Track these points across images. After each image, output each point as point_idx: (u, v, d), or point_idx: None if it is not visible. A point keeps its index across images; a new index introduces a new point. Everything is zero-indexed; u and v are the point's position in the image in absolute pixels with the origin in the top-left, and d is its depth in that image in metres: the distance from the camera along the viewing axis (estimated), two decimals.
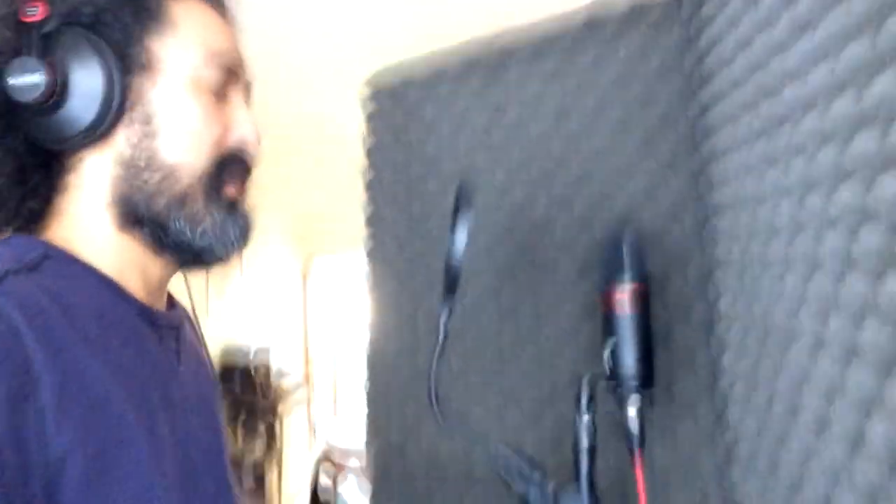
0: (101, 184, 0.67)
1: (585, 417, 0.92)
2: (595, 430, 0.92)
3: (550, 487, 0.88)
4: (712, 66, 0.96)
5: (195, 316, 0.89)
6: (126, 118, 0.65)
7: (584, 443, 0.91)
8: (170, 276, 0.76)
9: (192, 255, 0.71)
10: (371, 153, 1.43)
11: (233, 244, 0.72)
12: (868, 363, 0.65)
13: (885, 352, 0.62)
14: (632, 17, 1.11)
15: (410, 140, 1.36)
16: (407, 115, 1.36)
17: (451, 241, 0.89)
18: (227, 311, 5.37)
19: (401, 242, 1.36)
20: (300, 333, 7.55)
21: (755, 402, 0.90)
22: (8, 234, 0.67)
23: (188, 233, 0.68)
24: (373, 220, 1.42)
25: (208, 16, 0.72)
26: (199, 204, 0.68)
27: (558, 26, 1.17)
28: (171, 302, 0.82)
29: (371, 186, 1.43)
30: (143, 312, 0.69)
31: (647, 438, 0.95)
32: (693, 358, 1.05)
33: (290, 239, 7.33)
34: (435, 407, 0.93)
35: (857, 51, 0.64)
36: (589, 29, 1.15)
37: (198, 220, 0.68)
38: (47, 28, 0.63)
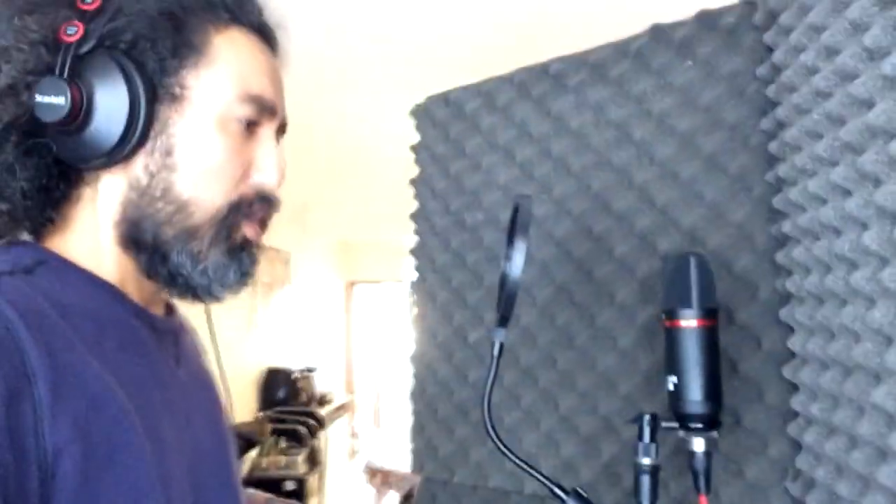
0: (113, 202, 0.67)
1: (647, 459, 0.86)
2: (657, 476, 0.86)
3: None
4: (791, 78, 0.88)
5: (212, 333, 0.89)
6: (148, 146, 0.65)
7: (646, 487, 0.85)
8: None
9: (186, 288, 0.69)
10: (417, 183, 1.40)
11: (230, 287, 0.70)
12: None
13: None
14: (701, 25, 1.04)
15: (457, 170, 1.32)
16: (453, 144, 1.32)
17: (508, 262, 0.84)
18: (271, 331, 5.49)
19: (445, 274, 1.32)
20: (343, 356, 7.71)
21: (832, 447, 0.82)
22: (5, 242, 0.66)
23: (188, 267, 0.67)
24: (418, 251, 1.39)
25: (251, 50, 0.70)
26: (205, 242, 0.67)
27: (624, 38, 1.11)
28: (170, 308, 0.81)
29: (416, 217, 1.39)
30: (141, 315, 0.69)
31: (713, 472, 0.89)
32: (762, 393, 0.97)
33: (335, 265, 7.49)
34: (490, 429, 0.88)
35: None
36: (656, 37, 1.08)
37: (200, 258, 0.67)
38: (83, 49, 0.62)
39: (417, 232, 1.38)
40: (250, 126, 0.69)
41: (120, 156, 0.64)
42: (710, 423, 0.89)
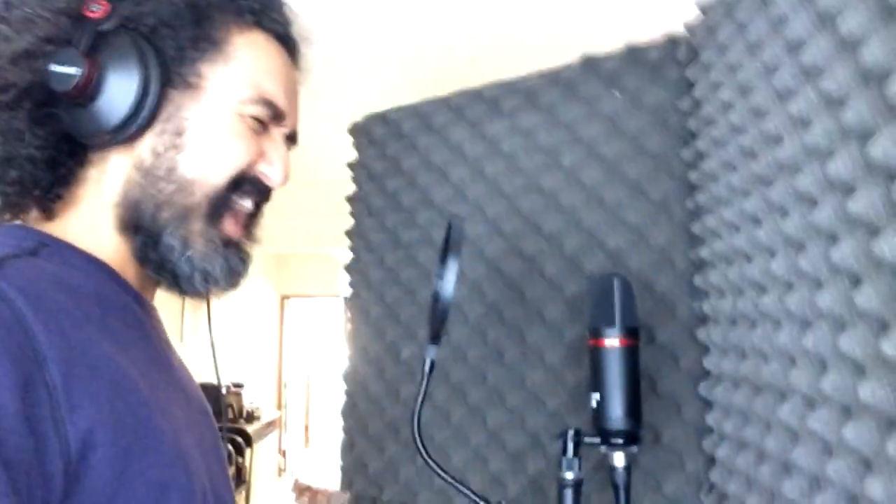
0: (114, 184, 0.67)
1: (570, 473, 0.89)
2: (580, 490, 0.89)
3: None
4: (710, 112, 0.94)
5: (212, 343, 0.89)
6: (157, 127, 0.66)
7: (569, 501, 0.88)
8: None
9: (171, 277, 0.69)
10: (353, 200, 1.41)
11: (214, 281, 0.69)
12: (867, 420, 0.62)
13: (884, 409, 0.59)
14: (629, 58, 1.10)
15: (393, 188, 1.34)
16: (390, 162, 1.34)
17: (440, 281, 0.86)
18: (200, 345, 5.36)
19: (379, 290, 1.34)
20: (274, 371, 7.59)
21: (742, 462, 0.87)
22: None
23: (175, 252, 0.67)
24: (353, 267, 1.40)
25: (270, 55, 0.72)
26: (199, 225, 0.68)
27: (555, 67, 1.16)
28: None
29: (352, 234, 1.41)
30: (140, 300, 0.69)
31: (633, 486, 0.92)
32: (680, 410, 1.02)
33: (268, 278, 7.39)
34: (420, 446, 0.89)
35: (863, 104, 0.62)
36: (586, 67, 1.13)
37: (190, 241, 0.67)
38: (105, 27, 0.64)
39: (353, 248, 1.39)
40: (262, 124, 0.70)
41: (126, 133, 0.64)
42: (631, 438, 0.92)
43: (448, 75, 1.43)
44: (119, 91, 0.64)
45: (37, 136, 0.63)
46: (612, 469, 0.92)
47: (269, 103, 0.70)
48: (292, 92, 0.74)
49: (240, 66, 0.69)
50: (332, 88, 2.69)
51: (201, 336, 5.39)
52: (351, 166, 1.41)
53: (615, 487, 0.92)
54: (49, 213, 0.66)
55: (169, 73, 0.66)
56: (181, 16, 0.66)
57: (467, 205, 1.23)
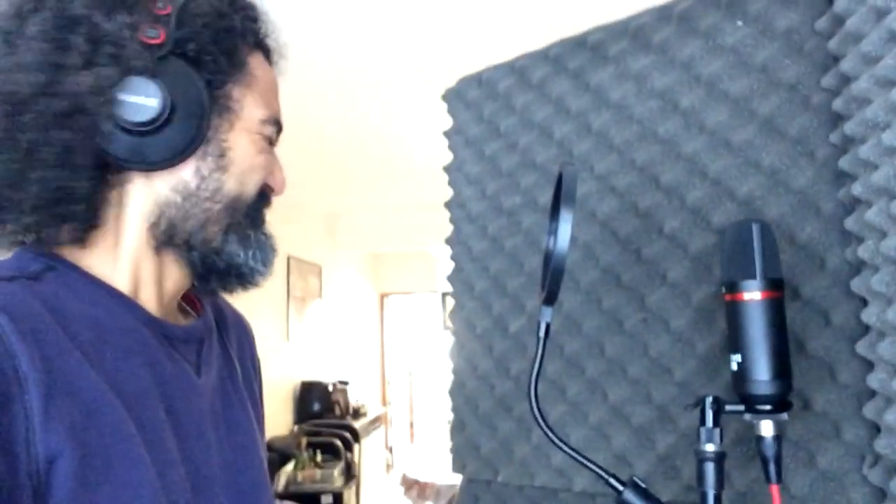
0: (145, 205, 0.68)
1: (711, 447, 0.78)
2: (722, 464, 0.78)
3: None
4: (857, 25, 0.81)
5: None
6: (200, 151, 0.68)
7: (711, 478, 0.77)
8: (183, 290, 0.76)
9: (239, 276, 0.74)
10: (451, 169, 1.34)
11: (270, 265, 0.76)
12: None
13: None
14: None
15: (492, 153, 1.26)
16: (487, 125, 1.27)
17: (553, 239, 0.78)
18: (305, 345, 5.48)
19: (482, 262, 1.26)
20: (377, 368, 7.70)
21: None
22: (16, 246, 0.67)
23: (241, 255, 0.72)
24: (454, 239, 1.33)
25: (268, 72, 0.76)
26: (246, 229, 0.72)
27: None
28: (196, 310, 0.81)
29: (451, 204, 1.34)
30: (153, 325, 0.69)
31: (783, 466, 0.81)
32: (834, 373, 0.89)
33: (366, 277, 7.50)
34: (538, 417, 0.81)
35: None
36: None
37: (248, 243, 0.72)
38: (160, 52, 0.64)
39: (452, 220, 1.32)
40: (269, 142, 0.75)
41: (181, 158, 0.66)
42: (780, 404, 0.81)
43: (545, 27, 1.34)
44: (183, 119, 0.64)
45: (84, 167, 0.62)
46: (760, 439, 0.81)
47: (277, 122, 0.74)
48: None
49: (257, 88, 0.72)
50: (421, 80, 2.65)
51: (305, 336, 5.50)
52: (446, 134, 1.34)
53: (764, 460, 0.80)
54: (82, 240, 0.66)
55: (214, 98, 0.67)
56: (218, 40, 0.67)
57: (574, 163, 1.13)
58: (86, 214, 0.64)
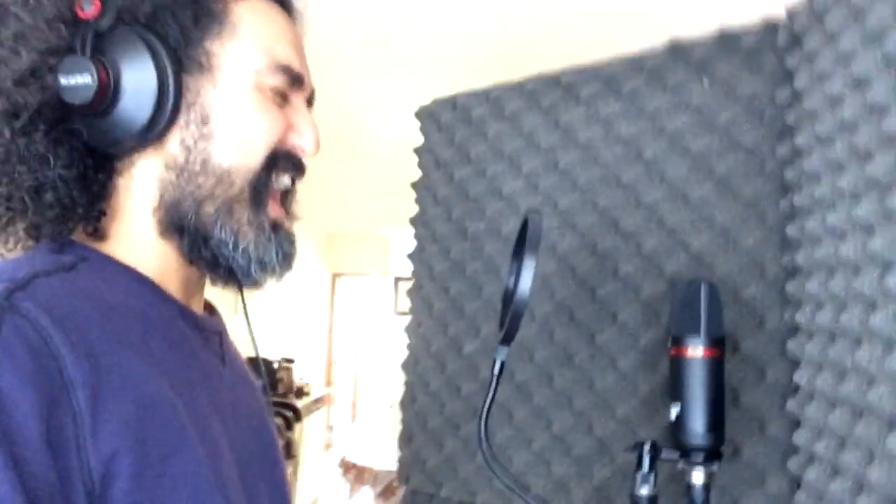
0: (149, 188, 0.64)
1: (646, 488, 0.83)
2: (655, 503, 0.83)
3: None
4: (814, 105, 0.86)
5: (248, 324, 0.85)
6: (182, 119, 0.63)
7: None
8: (205, 281, 0.72)
9: (227, 272, 0.67)
10: (419, 187, 1.36)
11: (271, 269, 0.68)
12: None
13: None
14: (721, 44, 1.02)
15: (461, 176, 1.28)
16: (458, 149, 1.29)
17: (516, 280, 0.81)
18: (253, 321, 5.43)
19: (442, 282, 1.29)
20: (324, 348, 7.67)
21: (837, 491, 0.80)
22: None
23: (230, 246, 0.65)
24: (416, 256, 1.35)
25: (273, 18, 0.68)
26: (246, 214, 0.65)
27: (640, 52, 1.08)
28: (211, 309, 0.79)
29: (416, 221, 1.36)
30: (185, 314, 0.67)
31: None
32: (764, 425, 0.95)
33: (320, 256, 7.45)
34: (485, 450, 0.85)
35: None
36: (673, 54, 1.06)
37: (242, 232, 0.65)
38: (101, 25, 0.60)
39: (417, 237, 1.35)
40: (283, 96, 0.67)
41: (153, 133, 0.61)
42: (712, 455, 0.87)
43: (522, 60, 1.37)
44: (137, 90, 0.60)
45: (61, 157, 0.59)
46: (690, 486, 0.87)
47: (285, 69, 0.66)
48: (301, 50, 0.70)
49: (248, 36, 0.65)
50: (389, 66, 2.64)
51: (254, 311, 5.46)
52: (417, 152, 1.36)
53: None
54: (95, 230, 0.64)
55: (180, 59, 0.62)
56: None
57: (539, 196, 1.17)
58: (87, 205, 0.61)
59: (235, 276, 0.67)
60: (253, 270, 0.66)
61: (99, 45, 0.59)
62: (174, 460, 0.54)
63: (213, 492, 0.57)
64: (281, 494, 0.75)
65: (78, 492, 0.49)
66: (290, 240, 0.70)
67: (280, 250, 0.68)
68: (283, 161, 0.67)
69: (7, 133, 0.57)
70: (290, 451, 5.13)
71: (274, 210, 0.68)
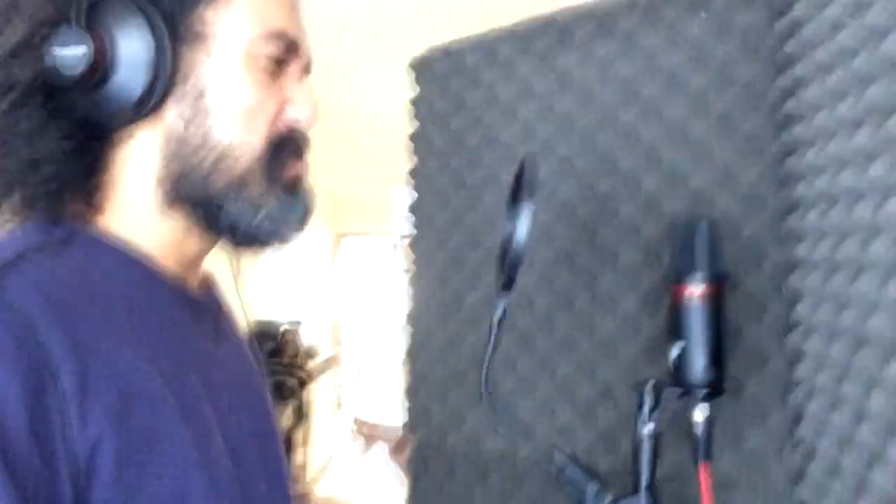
0: (151, 160, 0.64)
1: (649, 426, 0.84)
2: (659, 441, 0.83)
3: (608, 501, 0.81)
4: (813, 33, 0.84)
5: (239, 295, 0.85)
6: (178, 91, 0.62)
7: (647, 454, 0.82)
8: (206, 253, 0.72)
9: (248, 238, 0.67)
10: (415, 139, 1.34)
11: (293, 228, 0.68)
12: None
13: None
14: None
15: (457, 127, 1.26)
16: (453, 99, 1.27)
17: (513, 226, 0.80)
18: (257, 286, 5.44)
19: (442, 235, 1.28)
20: (329, 310, 7.70)
21: (837, 421, 0.80)
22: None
23: (248, 216, 0.65)
24: (415, 209, 1.34)
25: None
26: (260, 187, 0.65)
27: None
28: (208, 285, 0.78)
29: (414, 174, 1.35)
30: (179, 294, 0.67)
31: (713, 446, 0.87)
32: (765, 363, 0.95)
33: (323, 216, 7.42)
34: (487, 400, 0.85)
35: None
36: None
37: (258, 203, 0.65)
38: None
39: (416, 189, 1.34)
40: (278, 64, 0.66)
41: (149, 105, 0.60)
42: (715, 390, 0.87)
43: (514, 4, 1.34)
44: (133, 60, 0.59)
45: (56, 130, 0.59)
46: (692, 423, 0.87)
47: (281, 35, 0.65)
48: (297, 17, 0.69)
49: (241, 4, 0.63)
50: (385, 21, 2.61)
51: (258, 275, 5.46)
52: (412, 103, 1.34)
53: (695, 441, 0.87)
54: (94, 205, 0.63)
55: (175, 28, 0.60)
56: None
57: (536, 143, 1.16)
58: (82, 178, 0.61)
59: (258, 241, 0.67)
60: (276, 233, 0.67)
61: (93, 14, 0.58)
62: (160, 445, 0.55)
63: (201, 476, 0.57)
64: (278, 471, 0.75)
65: (63, 479, 0.49)
66: (306, 197, 0.70)
67: (298, 210, 0.68)
68: (289, 145, 0.67)
69: (2, 105, 0.57)
70: (302, 412, 5.19)
71: (292, 171, 0.68)
